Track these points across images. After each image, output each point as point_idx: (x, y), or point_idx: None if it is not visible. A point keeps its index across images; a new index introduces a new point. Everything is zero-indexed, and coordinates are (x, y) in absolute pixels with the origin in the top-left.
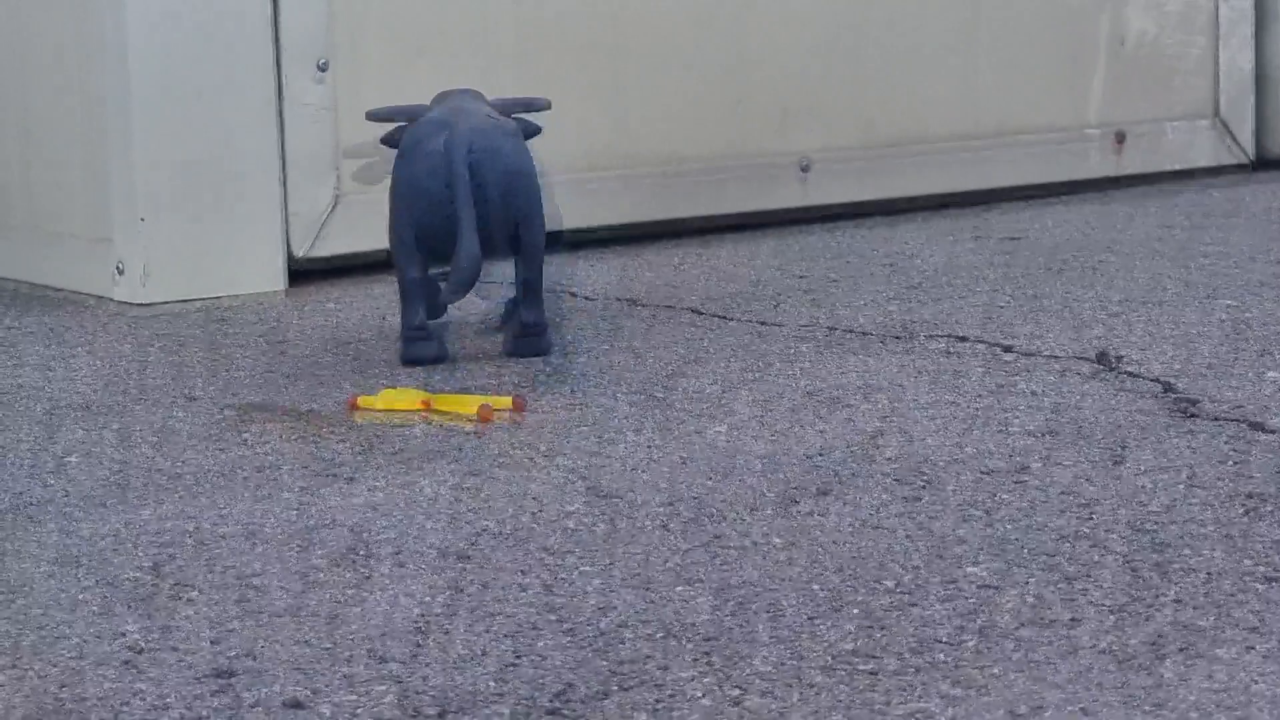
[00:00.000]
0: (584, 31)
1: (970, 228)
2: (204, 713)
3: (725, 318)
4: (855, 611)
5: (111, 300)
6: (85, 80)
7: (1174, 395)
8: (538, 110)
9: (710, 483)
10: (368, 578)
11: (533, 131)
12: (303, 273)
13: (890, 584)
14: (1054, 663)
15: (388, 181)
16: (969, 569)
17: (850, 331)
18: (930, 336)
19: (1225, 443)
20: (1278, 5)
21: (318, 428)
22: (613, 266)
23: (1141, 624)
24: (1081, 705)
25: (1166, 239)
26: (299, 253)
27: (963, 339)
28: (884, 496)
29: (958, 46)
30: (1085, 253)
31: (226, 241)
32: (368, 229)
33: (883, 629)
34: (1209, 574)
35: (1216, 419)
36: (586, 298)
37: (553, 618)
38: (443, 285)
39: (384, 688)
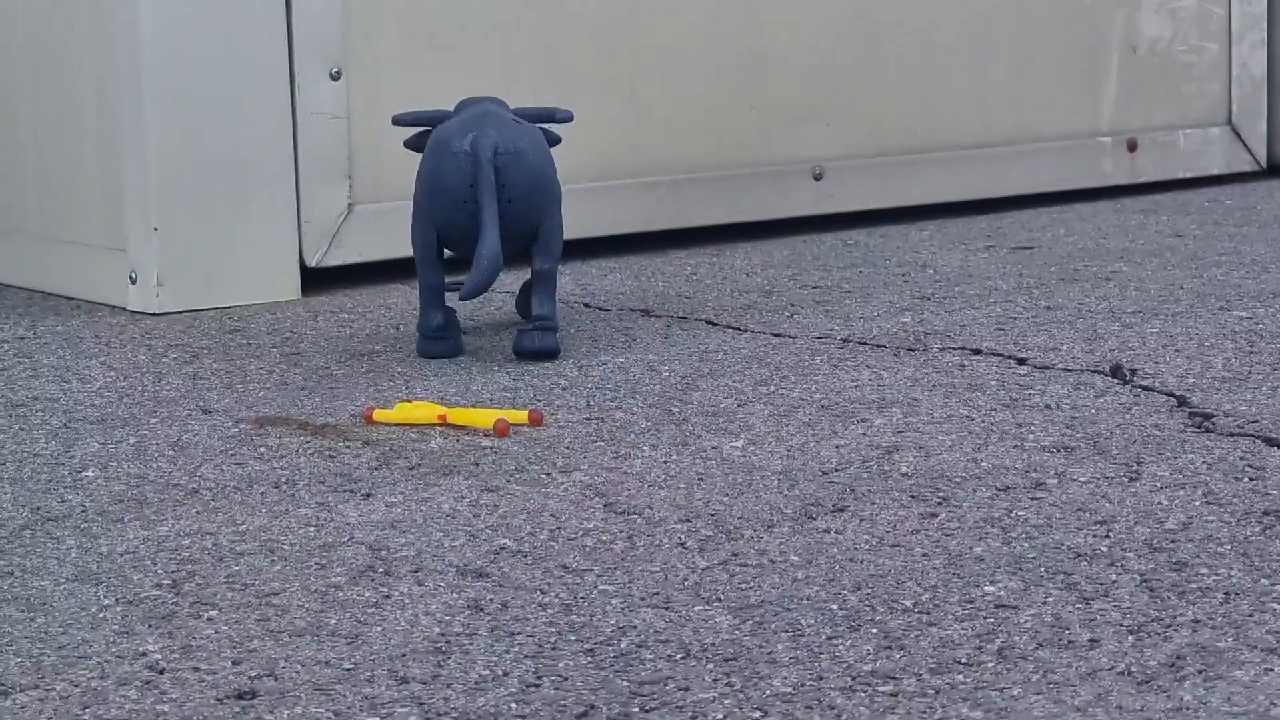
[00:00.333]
0: (599, 38)
1: (983, 235)
2: None
3: (739, 329)
4: (874, 631)
5: (125, 309)
6: (99, 89)
7: (1189, 409)
8: (560, 121)
9: (727, 498)
10: (387, 596)
11: (553, 140)
12: (316, 281)
13: (908, 603)
14: (1074, 685)
15: (401, 190)
16: (987, 588)
17: (864, 343)
18: (944, 349)
19: (1240, 458)
20: None
21: (334, 441)
22: (626, 275)
23: (1160, 645)
24: None
25: (1178, 247)
26: (312, 261)
27: (976, 351)
28: (900, 513)
29: (971, 54)
30: (1098, 261)
31: (240, 250)
32: (381, 237)
33: (902, 649)
34: (1226, 593)
35: (1231, 434)
36: (601, 308)
37: (573, 637)
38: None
39: (406, 709)
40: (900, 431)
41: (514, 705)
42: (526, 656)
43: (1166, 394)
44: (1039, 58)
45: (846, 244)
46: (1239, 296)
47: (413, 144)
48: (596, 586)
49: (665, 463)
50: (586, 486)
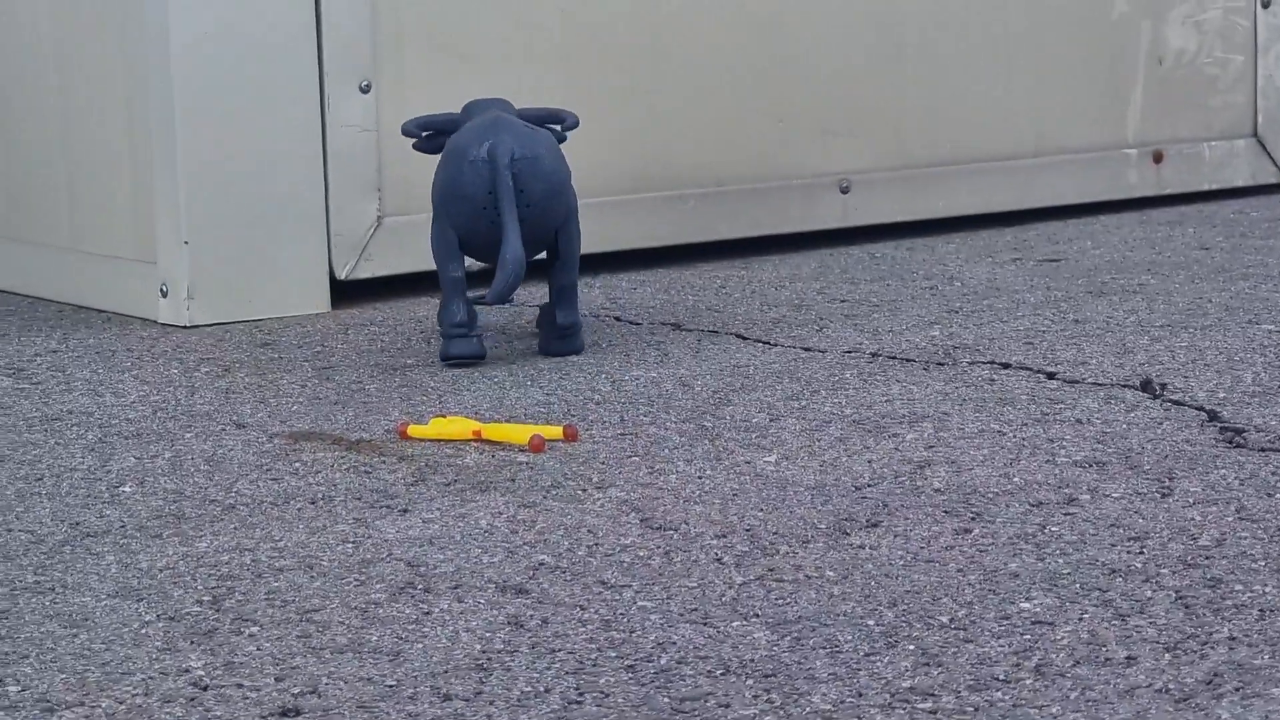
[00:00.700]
0: (626, 52)
1: (1009, 247)
2: None
3: (769, 343)
4: (911, 647)
5: (155, 321)
6: (129, 102)
7: (1219, 424)
8: (565, 125)
9: (762, 514)
10: (427, 612)
11: (559, 142)
12: (345, 293)
13: (945, 619)
14: (1111, 702)
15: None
16: (1022, 604)
17: (894, 357)
18: (973, 362)
19: (1272, 473)
20: None
21: (369, 456)
22: (656, 288)
23: (1197, 662)
24: None
25: (1205, 260)
26: (341, 274)
27: (1006, 365)
28: (934, 528)
29: (997, 66)
30: (1125, 274)
31: (270, 263)
32: (410, 250)
33: (939, 665)
34: (1262, 610)
35: (1263, 449)
36: (631, 322)
37: (613, 654)
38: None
39: None
40: (932, 446)
41: None
42: (568, 673)
43: (1197, 408)
44: (1065, 70)
45: (873, 257)
46: (1267, 310)
47: (423, 147)
48: (635, 602)
49: (700, 478)
50: (623, 502)
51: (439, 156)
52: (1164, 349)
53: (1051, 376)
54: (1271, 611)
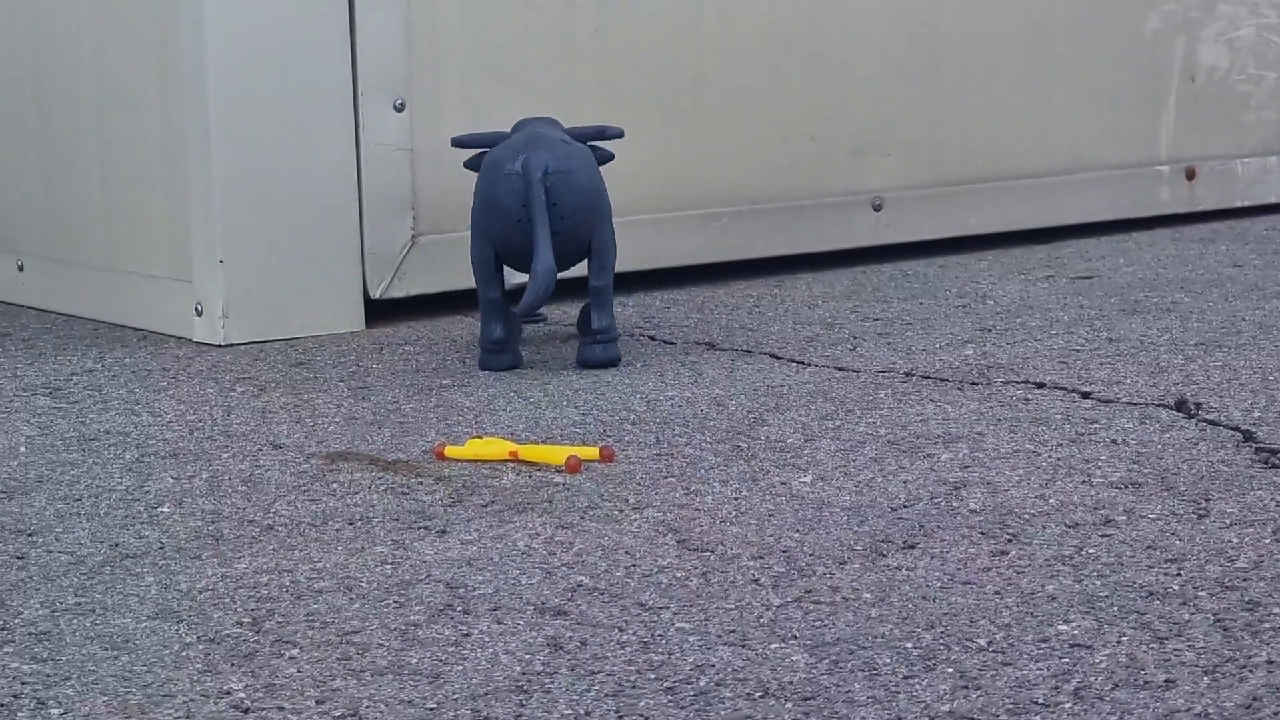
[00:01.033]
0: (661, 70)
1: (1042, 265)
2: None
3: (803, 362)
4: (950, 670)
5: (190, 340)
6: (164, 121)
7: (1255, 444)
8: (611, 138)
9: (798, 534)
10: (467, 634)
11: (606, 158)
12: (379, 312)
13: (983, 642)
14: None
15: (464, 221)
16: (1060, 627)
17: (927, 377)
18: (1007, 382)
19: None
20: None
21: (406, 477)
22: (689, 307)
23: (1236, 685)
24: None
25: (1238, 277)
26: (376, 293)
27: (1040, 384)
28: (971, 550)
29: (1029, 83)
30: (1158, 292)
31: (304, 282)
32: (445, 269)
33: (978, 688)
34: None
35: None
36: (666, 341)
37: (652, 676)
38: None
39: None
40: (967, 467)
41: None
42: (607, 695)
43: (1232, 428)
44: (1098, 87)
45: (906, 274)
46: None
47: (471, 164)
48: (673, 624)
49: (736, 499)
50: (659, 523)
51: None
52: (1198, 368)
53: (1086, 396)
54: None
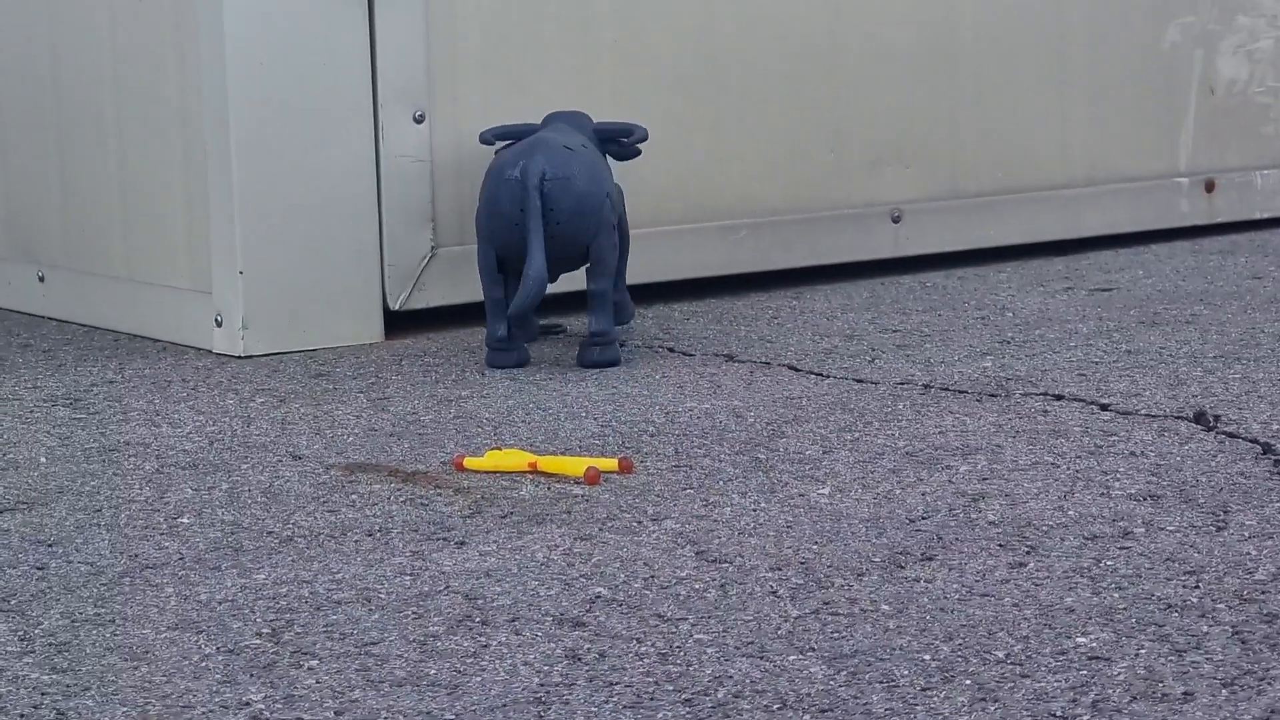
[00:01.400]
0: (679, 81)
1: (1060, 276)
2: None
3: (822, 374)
4: (967, 683)
5: (210, 351)
6: (185, 133)
7: (1273, 456)
8: (634, 138)
9: (816, 546)
10: (485, 646)
11: (632, 154)
12: (398, 324)
13: (1000, 654)
14: None
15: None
16: (1078, 639)
17: (946, 389)
18: (1026, 394)
19: None
20: None
21: (425, 488)
22: (708, 319)
23: (1254, 699)
24: None
25: (1258, 290)
26: (395, 304)
27: (1059, 396)
28: (989, 561)
29: (1048, 96)
30: (1177, 304)
31: (324, 293)
32: (464, 280)
33: (996, 701)
34: None
35: None
36: (685, 353)
37: (670, 687)
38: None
39: None
40: (985, 479)
41: None
42: (626, 707)
43: (1251, 441)
44: (1117, 99)
45: (925, 286)
46: None
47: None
48: (692, 635)
49: (754, 510)
50: (678, 535)
51: None
52: (1217, 380)
53: (1105, 408)
54: None
